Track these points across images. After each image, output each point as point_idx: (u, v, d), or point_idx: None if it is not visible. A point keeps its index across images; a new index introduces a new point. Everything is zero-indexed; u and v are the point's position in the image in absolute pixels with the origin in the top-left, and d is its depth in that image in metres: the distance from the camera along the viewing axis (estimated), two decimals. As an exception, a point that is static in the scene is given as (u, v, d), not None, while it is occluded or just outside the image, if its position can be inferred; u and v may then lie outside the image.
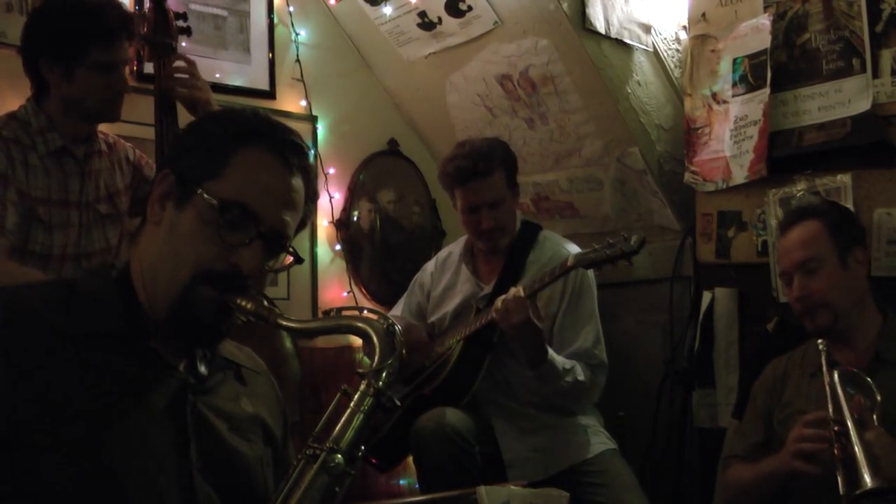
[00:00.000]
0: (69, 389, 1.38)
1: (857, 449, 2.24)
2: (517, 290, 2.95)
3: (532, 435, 3.15)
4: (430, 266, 3.59)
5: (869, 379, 2.48)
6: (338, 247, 4.28)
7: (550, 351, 3.02)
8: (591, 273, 3.22)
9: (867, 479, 2.18)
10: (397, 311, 3.61)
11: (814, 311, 2.66)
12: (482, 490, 2.10)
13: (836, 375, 2.47)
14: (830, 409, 2.41)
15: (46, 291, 1.49)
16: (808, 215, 2.74)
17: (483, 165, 3.17)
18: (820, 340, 2.62)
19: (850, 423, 2.32)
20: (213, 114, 1.59)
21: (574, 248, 3.17)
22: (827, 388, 2.47)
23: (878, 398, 2.43)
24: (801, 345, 2.84)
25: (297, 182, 1.55)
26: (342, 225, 4.29)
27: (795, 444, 2.44)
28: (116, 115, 2.89)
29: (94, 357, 1.42)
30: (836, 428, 2.35)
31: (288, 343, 3.19)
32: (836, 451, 2.33)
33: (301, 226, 1.60)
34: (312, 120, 4.22)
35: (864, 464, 2.21)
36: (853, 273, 2.68)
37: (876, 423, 2.37)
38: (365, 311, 1.57)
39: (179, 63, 3.03)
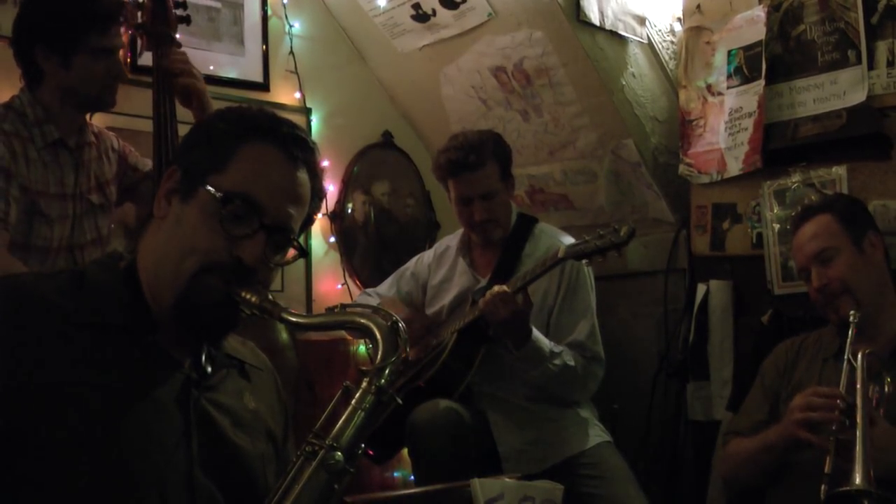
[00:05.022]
0: (78, 378, 1.38)
1: (858, 441, 2.20)
2: (501, 288, 2.96)
3: (527, 428, 3.15)
4: (426, 257, 3.58)
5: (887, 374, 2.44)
6: (332, 239, 4.28)
7: (535, 332, 3.02)
8: (587, 268, 3.21)
9: (857, 477, 2.13)
10: (384, 289, 3.59)
11: (836, 300, 2.61)
12: (476, 483, 2.09)
13: (859, 358, 2.40)
14: (842, 387, 2.38)
15: (57, 280, 1.50)
16: (817, 211, 2.72)
17: (474, 157, 3.18)
18: (852, 312, 2.54)
19: (860, 412, 2.26)
20: (219, 111, 1.60)
21: (569, 240, 3.17)
22: (845, 364, 2.43)
23: (887, 390, 2.40)
24: (798, 336, 2.83)
25: (303, 176, 1.55)
26: (336, 217, 4.29)
27: (804, 413, 2.39)
28: (112, 102, 2.88)
29: (102, 347, 1.42)
30: (843, 408, 2.31)
31: (284, 335, 3.18)
32: (833, 429, 2.31)
33: (308, 222, 1.60)
34: (306, 112, 4.21)
35: (859, 460, 2.17)
36: (870, 257, 2.64)
37: (881, 416, 2.35)
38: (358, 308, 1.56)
39: (176, 52, 3.02)
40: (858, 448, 2.19)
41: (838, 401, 2.34)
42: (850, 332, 2.51)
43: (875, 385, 2.43)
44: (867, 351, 2.43)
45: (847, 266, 2.60)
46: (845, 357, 2.46)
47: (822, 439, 2.33)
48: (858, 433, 2.22)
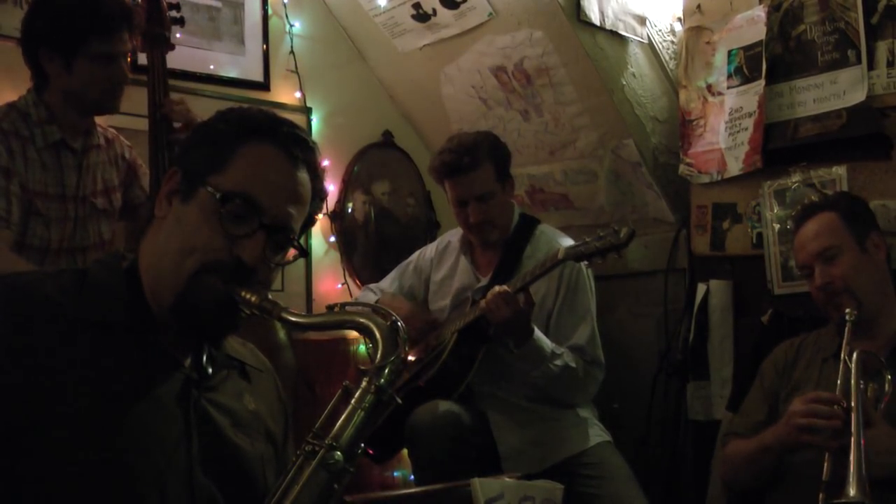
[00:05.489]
0: (78, 377, 1.38)
1: (852, 449, 2.18)
2: (502, 287, 2.96)
3: (527, 427, 3.15)
4: (428, 252, 3.58)
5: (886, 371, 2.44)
6: (332, 238, 4.29)
7: (536, 331, 3.02)
8: (586, 270, 3.21)
9: (851, 490, 2.11)
10: (386, 284, 3.60)
11: (837, 298, 2.60)
12: (476, 482, 2.09)
13: (854, 357, 2.40)
14: (838, 391, 2.37)
15: (59, 279, 1.50)
16: (820, 208, 2.71)
17: (468, 159, 3.18)
18: (848, 310, 2.53)
19: (854, 416, 2.26)
20: (219, 112, 1.60)
21: (569, 242, 3.16)
22: (841, 364, 2.42)
23: (887, 389, 2.40)
24: (797, 336, 2.83)
25: (303, 176, 1.55)
26: (336, 217, 4.29)
27: (808, 419, 2.38)
28: (116, 107, 2.90)
29: (103, 347, 1.42)
30: (843, 415, 2.31)
31: (281, 334, 3.18)
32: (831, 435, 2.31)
33: (309, 222, 1.60)
34: (307, 111, 4.22)
35: (853, 468, 2.15)
36: (873, 257, 2.63)
37: (880, 418, 2.35)
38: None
39: (176, 102, 3.05)
40: (853, 455, 2.17)
41: (839, 406, 2.34)
42: (846, 331, 2.50)
43: (875, 384, 2.43)
44: (862, 350, 2.43)
45: (850, 265, 2.60)
46: (842, 357, 2.46)
47: (825, 438, 2.33)
48: (853, 440, 2.21)
